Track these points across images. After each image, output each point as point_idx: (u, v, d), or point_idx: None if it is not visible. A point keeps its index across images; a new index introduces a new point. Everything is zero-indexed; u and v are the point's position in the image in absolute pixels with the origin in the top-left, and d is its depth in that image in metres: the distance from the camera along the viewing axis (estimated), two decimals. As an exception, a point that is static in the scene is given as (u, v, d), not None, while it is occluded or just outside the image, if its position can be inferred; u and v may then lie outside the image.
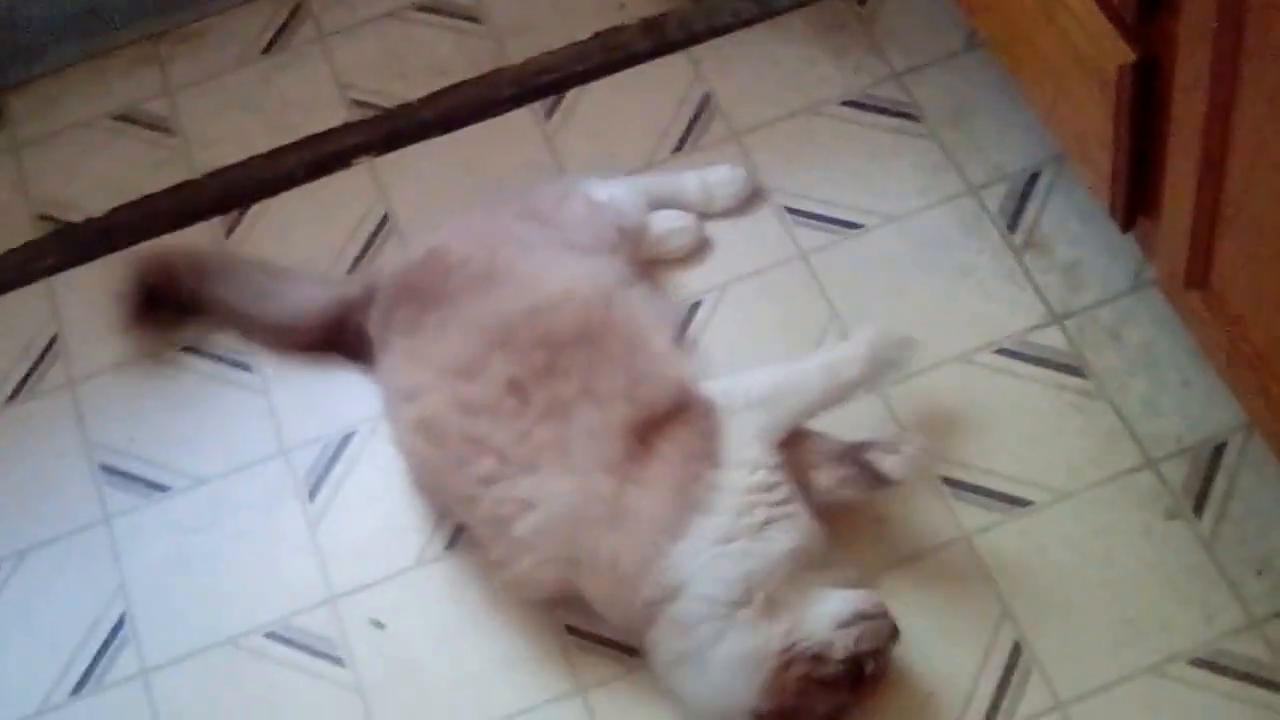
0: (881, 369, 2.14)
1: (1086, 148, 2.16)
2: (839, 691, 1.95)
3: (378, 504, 2.26)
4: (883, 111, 2.50)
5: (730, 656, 1.95)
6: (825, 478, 2.05)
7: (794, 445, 2.06)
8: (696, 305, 2.35)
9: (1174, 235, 2.03)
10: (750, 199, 2.44)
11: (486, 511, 2.05)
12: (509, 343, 2.09)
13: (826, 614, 1.96)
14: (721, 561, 1.96)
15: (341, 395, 2.35)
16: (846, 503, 2.08)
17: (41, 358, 2.44)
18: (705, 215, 2.42)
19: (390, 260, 2.37)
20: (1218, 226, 1.95)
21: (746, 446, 2.02)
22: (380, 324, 2.22)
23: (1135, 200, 2.13)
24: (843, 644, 1.94)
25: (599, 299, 2.13)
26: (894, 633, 1.98)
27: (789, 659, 1.93)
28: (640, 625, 2.00)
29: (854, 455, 2.05)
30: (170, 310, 2.40)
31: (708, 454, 2.02)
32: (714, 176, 2.43)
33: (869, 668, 1.96)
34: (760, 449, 2.02)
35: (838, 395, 2.11)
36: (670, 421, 2.05)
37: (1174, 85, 1.86)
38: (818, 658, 1.93)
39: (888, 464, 2.04)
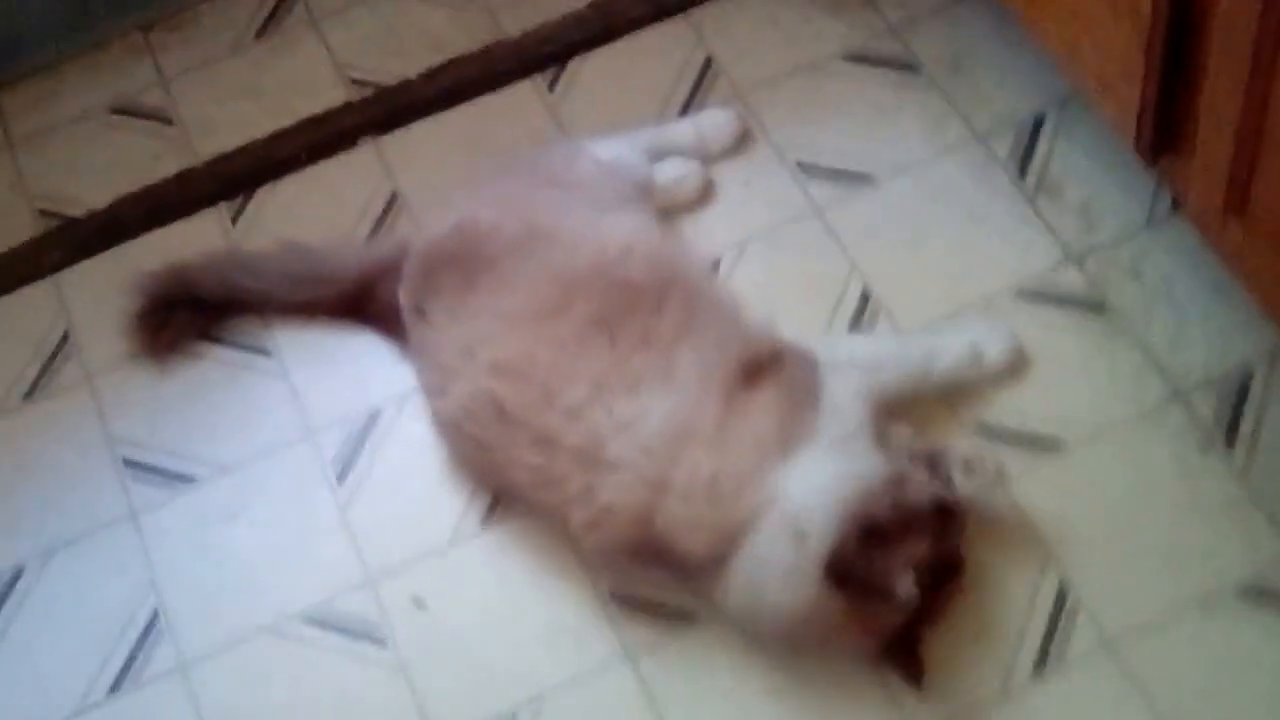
0: (979, 365, 2.11)
1: (1111, 84, 2.07)
2: (921, 533, 1.87)
3: (409, 483, 2.16)
4: (883, 64, 2.41)
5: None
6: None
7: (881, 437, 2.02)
8: (717, 262, 2.26)
9: (1211, 164, 1.95)
10: (743, 139, 2.37)
11: (574, 442, 1.97)
12: (582, 291, 2.04)
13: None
14: (820, 477, 1.92)
15: (364, 376, 2.24)
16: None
17: (54, 355, 2.32)
18: (706, 160, 2.34)
19: (411, 232, 2.27)
20: (1261, 152, 1.87)
21: (845, 402, 1.99)
22: (417, 293, 2.13)
23: (1162, 134, 2.05)
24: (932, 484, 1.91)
25: (659, 250, 2.11)
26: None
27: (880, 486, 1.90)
28: (725, 546, 1.91)
29: (933, 462, 1.98)
30: (189, 315, 2.28)
31: (810, 400, 1.98)
32: (706, 121, 2.38)
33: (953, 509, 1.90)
34: (856, 406, 1.99)
35: (934, 379, 2.10)
36: (775, 366, 2.01)
37: (1214, 12, 1.77)
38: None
39: (961, 482, 1.97)
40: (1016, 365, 2.13)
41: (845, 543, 1.87)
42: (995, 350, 2.12)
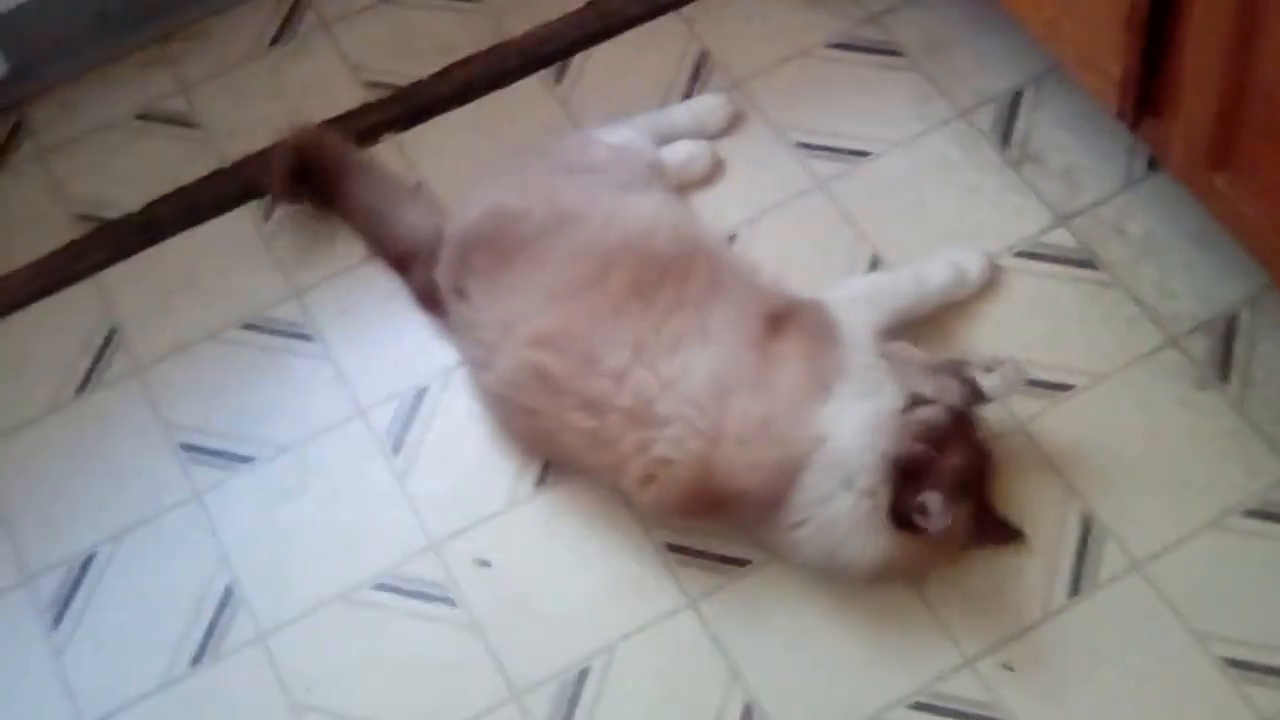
0: (964, 282, 2.11)
1: (1092, 58, 2.07)
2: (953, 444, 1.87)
3: (462, 452, 2.09)
4: (867, 50, 2.39)
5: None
6: (925, 387, 1.95)
7: (896, 356, 1.98)
8: (733, 236, 2.23)
9: (1194, 125, 1.95)
10: (736, 120, 2.33)
11: (623, 403, 1.92)
12: (614, 265, 2.00)
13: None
14: (860, 417, 1.90)
15: (406, 355, 2.18)
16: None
17: (103, 349, 2.21)
18: (705, 141, 2.30)
19: (443, 220, 2.19)
20: (1244, 110, 1.88)
21: (859, 334, 1.97)
22: (455, 275, 2.07)
23: (1142, 101, 2.06)
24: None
25: (680, 224, 2.08)
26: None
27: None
28: (784, 484, 1.88)
29: (954, 369, 1.96)
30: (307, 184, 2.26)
31: (830, 338, 1.96)
32: (700, 105, 2.35)
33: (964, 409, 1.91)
34: (869, 338, 1.97)
35: (926, 300, 2.09)
36: (791, 315, 1.99)
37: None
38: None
39: (986, 381, 1.96)
40: (994, 280, 2.14)
41: (900, 489, 1.85)
42: (975, 267, 2.14)
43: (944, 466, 1.87)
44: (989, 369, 1.98)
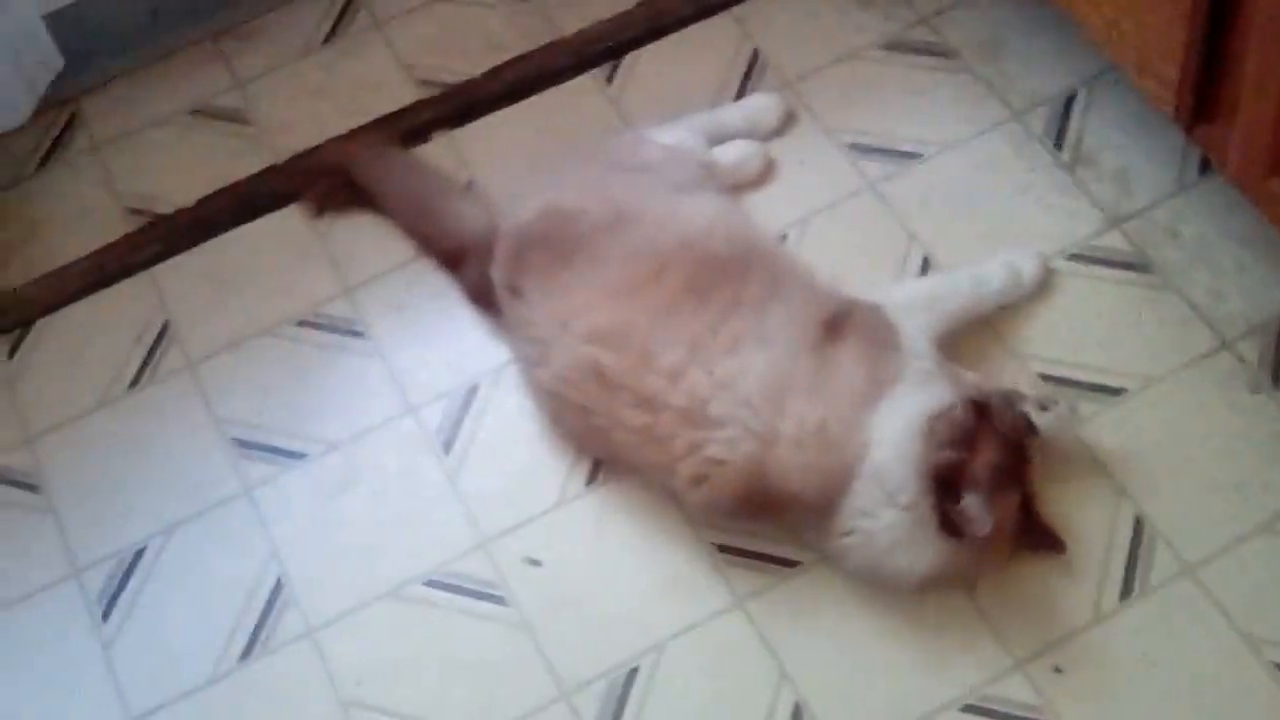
0: (1019, 284, 2.11)
1: (1150, 61, 2.05)
2: (983, 443, 1.85)
3: (513, 450, 2.09)
4: (919, 52, 2.37)
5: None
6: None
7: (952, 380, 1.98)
8: (784, 236, 2.21)
9: (1254, 130, 1.93)
10: (788, 120, 2.31)
11: (677, 402, 1.91)
12: (672, 265, 1.99)
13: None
14: (904, 423, 1.88)
15: (457, 354, 2.17)
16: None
17: (156, 344, 2.22)
18: (757, 141, 2.29)
19: (498, 216, 2.17)
20: (1307, 114, 1.87)
21: (918, 338, 1.96)
22: (510, 273, 2.06)
23: (1200, 105, 2.03)
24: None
25: (738, 225, 2.08)
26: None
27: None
28: (836, 489, 1.87)
29: (1008, 401, 1.94)
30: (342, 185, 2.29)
31: (888, 343, 1.95)
32: (753, 105, 2.34)
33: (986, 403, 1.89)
34: (926, 343, 1.96)
35: (983, 303, 2.09)
36: (849, 319, 1.98)
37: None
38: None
39: (1040, 419, 1.94)
40: (1047, 283, 2.12)
41: (941, 498, 1.84)
42: (1029, 268, 2.12)
43: (976, 465, 1.86)
44: (1044, 407, 1.96)
